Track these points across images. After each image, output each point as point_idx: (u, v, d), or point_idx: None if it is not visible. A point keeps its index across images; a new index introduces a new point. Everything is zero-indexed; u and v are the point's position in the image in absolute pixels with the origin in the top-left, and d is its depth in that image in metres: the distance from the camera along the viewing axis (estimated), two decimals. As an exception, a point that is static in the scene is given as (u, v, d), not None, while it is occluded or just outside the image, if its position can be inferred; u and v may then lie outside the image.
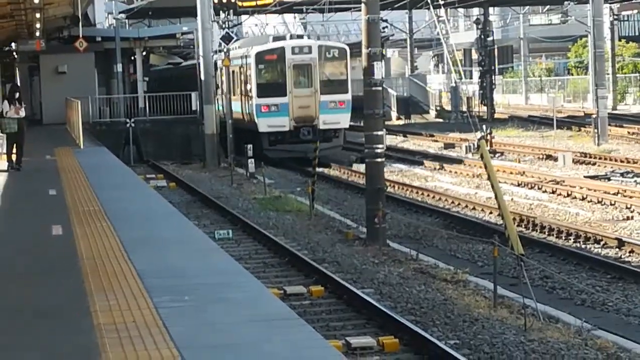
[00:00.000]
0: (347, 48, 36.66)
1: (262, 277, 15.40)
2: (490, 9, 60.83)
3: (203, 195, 27.33)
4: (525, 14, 72.47)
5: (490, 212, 23.43)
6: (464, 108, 52.82)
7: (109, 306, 9.13)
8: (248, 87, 35.88)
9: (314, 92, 34.96)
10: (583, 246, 19.40)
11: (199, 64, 38.45)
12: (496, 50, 56.72)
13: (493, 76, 55.97)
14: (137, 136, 39.64)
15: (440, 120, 56.75)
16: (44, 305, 9.34)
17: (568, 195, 25.39)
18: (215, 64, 37.84)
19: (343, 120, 35.30)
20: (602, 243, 19.32)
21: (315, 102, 34.96)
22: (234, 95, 37.05)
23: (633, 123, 46.34)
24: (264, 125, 34.50)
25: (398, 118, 57.96)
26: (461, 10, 65.19)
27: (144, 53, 47.45)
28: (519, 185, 27.83)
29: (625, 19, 69.60)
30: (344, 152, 37.17)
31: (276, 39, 37.91)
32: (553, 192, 26.04)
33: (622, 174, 28.71)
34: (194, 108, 40.28)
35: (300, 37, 39.91)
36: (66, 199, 17.27)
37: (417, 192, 27.80)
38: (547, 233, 20.67)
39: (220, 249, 12.46)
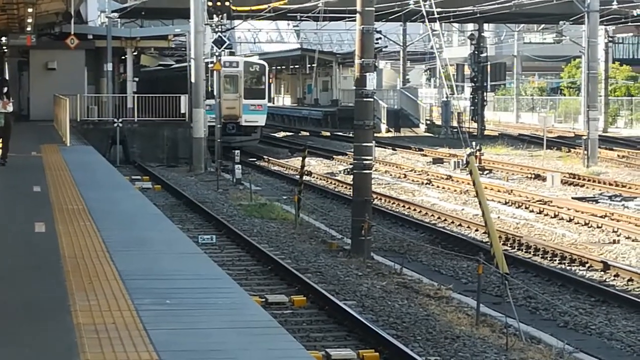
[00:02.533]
0: (266, 64, 46.18)
1: (244, 285, 15.28)
2: (485, 25, 60.90)
3: (188, 199, 27.22)
4: (520, 31, 72.61)
5: (477, 230, 23.37)
6: (455, 123, 52.84)
7: (90, 306, 9.01)
8: None
9: (238, 97, 43.62)
10: (568, 268, 19.34)
11: (189, 66, 38.45)
12: (489, 66, 56.73)
13: (485, 93, 56.01)
14: (125, 136, 39.49)
15: (430, 134, 56.73)
16: (23, 303, 9.21)
17: (555, 215, 25.34)
18: (206, 67, 38.07)
19: (260, 119, 44.53)
20: (587, 265, 19.27)
21: (240, 104, 43.53)
22: None
23: (623, 146, 46.46)
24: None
25: (387, 130, 57.92)
26: (456, 25, 65.23)
27: (135, 53, 47.30)
28: (506, 203, 27.78)
29: (620, 41, 69.75)
30: (260, 145, 46.49)
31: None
32: (540, 212, 26.00)
33: (610, 197, 28.70)
34: (182, 111, 40.20)
35: (232, 54, 50.68)
36: (50, 196, 17.12)
37: (403, 206, 27.73)
38: (532, 253, 20.62)
39: (204, 254, 12.33)
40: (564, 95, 72.27)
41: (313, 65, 68.64)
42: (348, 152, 38.54)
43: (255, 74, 44.88)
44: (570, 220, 24.64)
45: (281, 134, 58.33)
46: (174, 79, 47.79)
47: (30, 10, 34.24)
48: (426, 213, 26.36)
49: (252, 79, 44.65)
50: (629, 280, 18.10)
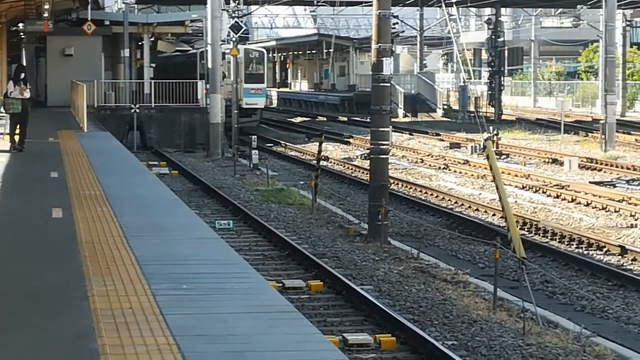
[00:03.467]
0: (265, 51, 49.51)
1: (261, 270, 15.29)
2: (502, 10, 60.64)
3: (205, 184, 27.25)
4: (537, 16, 72.26)
5: (494, 214, 23.32)
6: (472, 108, 52.70)
7: (107, 291, 9.04)
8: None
9: (240, 81, 44.05)
10: (585, 252, 19.28)
11: (206, 52, 38.51)
12: (506, 51, 56.49)
13: (502, 77, 55.79)
14: (142, 122, 39.53)
15: (447, 119, 56.58)
16: (41, 288, 9.25)
17: (572, 200, 25.26)
18: (223, 53, 38.24)
19: (260, 102, 47.22)
20: (604, 250, 19.21)
21: (241, 88, 44.40)
22: None
23: (640, 130, 46.17)
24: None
25: (405, 115, 57.81)
26: (473, 9, 64.97)
27: (152, 39, 47.35)
28: (523, 188, 27.70)
29: (638, 25, 69.30)
30: (260, 125, 48.57)
31: None
32: (557, 197, 25.92)
33: (627, 181, 28.58)
34: (199, 96, 40.27)
35: (247, 39, 55.13)
36: (68, 182, 17.17)
37: (420, 191, 27.69)
38: (549, 237, 20.56)
39: (221, 239, 12.34)
40: (582, 79, 71.93)
41: (330, 50, 68.53)
42: (365, 137, 38.52)
43: (255, 60, 47.48)
44: (587, 205, 24.56)
45: (298, 119, 58.30)
46: (183, 65, 48.69)
47: (47, -4, 34.30)
48: (443, 198, 26.32)
49: (252, 65, 47.14)
50: (646, 265, 18.05)
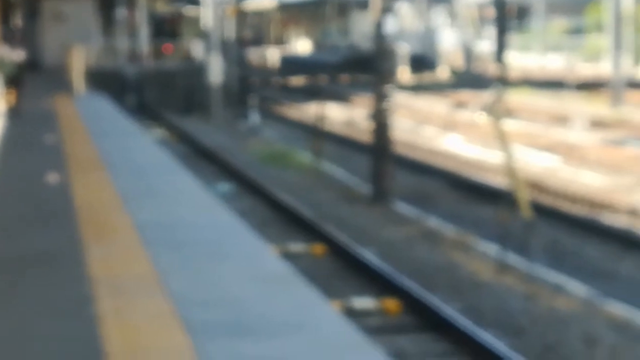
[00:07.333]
0: None
1: (262, 234, 15.01)
2: (507, -34, 60.07)
3: (204, 147, 26.97)
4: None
5: (501, 176, 22.96)
6: (477, 67, 52.33)
7: (104, 257, 8.85)
8: None
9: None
10: (594, 213, 18.95)
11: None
12: (512, 8, 55.98)
13: (508, 35, 55.32)
14: (139, 84, 39.14)
15: (452, 79, 56.19)
16: (37, 254, 9.06)
17: (581, 160, 24.93)
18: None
19: None
20: (614, 211, 18.89)
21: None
22: None
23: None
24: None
25: (408, 75, 57.44)
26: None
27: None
28: (530, 148, 27.33)
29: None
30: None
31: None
32: (565, 157, 25.57)
33: (637, 140, 28.25)
34: (193, 55, 40.04)
35: None
36: (63, 147, 16.94)
37: (425, 152, 27.38)
38: (558, 199, 20.23)
39: (220, 204, 12.08)
40: (589, 36, 71.35)
41: (331, 10, 68.13)
42: (367, 98, 38.17)
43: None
44: (596, 165, 24.21)
45: (299, 81, 57.96)
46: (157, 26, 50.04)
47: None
48: (448, 159, 25.99)
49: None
50: (656, 225, 17.74)
